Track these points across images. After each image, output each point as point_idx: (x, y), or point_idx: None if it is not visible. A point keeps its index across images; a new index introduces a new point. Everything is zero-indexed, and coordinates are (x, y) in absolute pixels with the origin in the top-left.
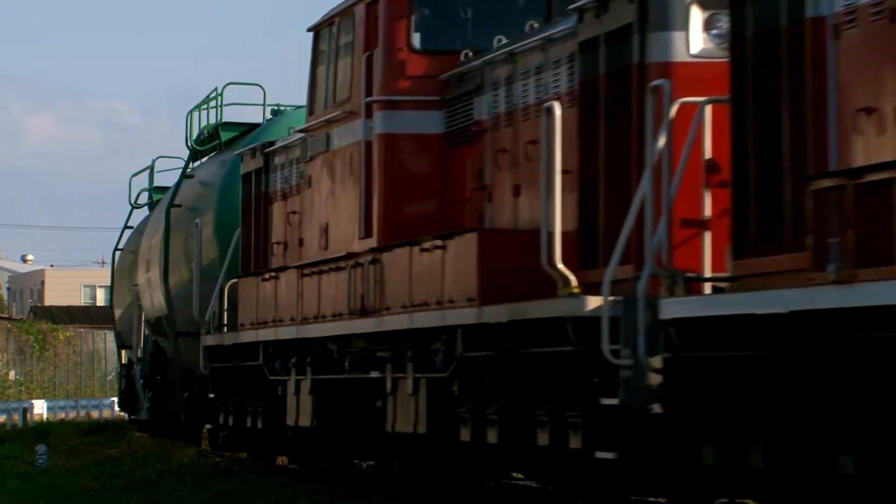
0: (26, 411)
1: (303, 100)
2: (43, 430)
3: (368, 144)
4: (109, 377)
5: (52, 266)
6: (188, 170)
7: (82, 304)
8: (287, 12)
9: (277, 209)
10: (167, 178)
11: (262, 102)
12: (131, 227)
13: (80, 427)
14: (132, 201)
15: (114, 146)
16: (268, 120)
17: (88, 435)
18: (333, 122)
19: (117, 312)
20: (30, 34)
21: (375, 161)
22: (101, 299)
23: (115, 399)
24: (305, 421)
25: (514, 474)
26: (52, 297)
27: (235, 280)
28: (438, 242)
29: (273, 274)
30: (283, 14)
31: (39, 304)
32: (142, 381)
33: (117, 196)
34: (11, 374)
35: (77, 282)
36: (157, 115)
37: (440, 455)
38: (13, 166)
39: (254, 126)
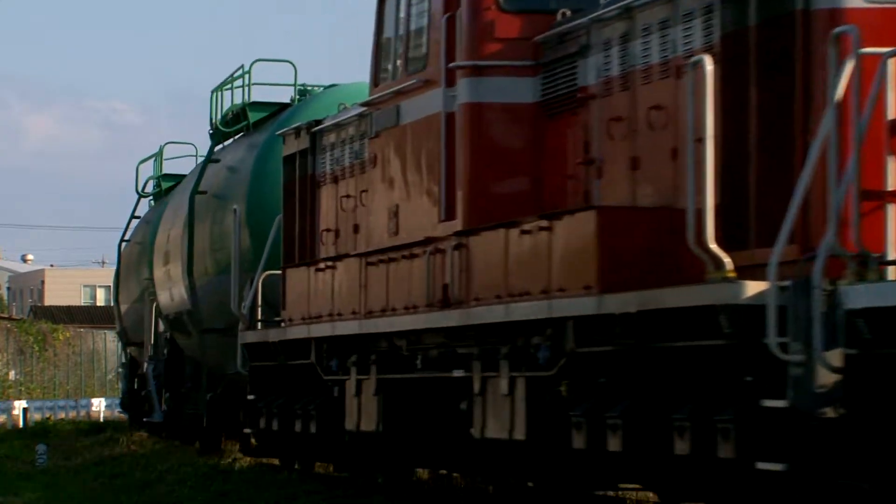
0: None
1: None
2: (43, 430)
3: (450, 116)
4: (109, 377)
5: (52, 266)
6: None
7: (82, 304)
8: (287, 12)
9: (327, 194)
10: (175, 167)
11: (292, 82)
12: (138, 217)
13: (80, 427)
14: (139, 190)
15: (114, 146)
16: (301, 99)
17: (88, 435)
18: (405, 93)
19: (123, 307)
20: (30, 34)
21: (459, 134)
22: (101, 299)
23: (117, 400)
24: (369, 425)
25: (623, 485)
26: (52, 297)
27: (273, 272)
28: (543, 223)
29: (329, 263)
30: (283, 13)
31: (39, 304)
32: (155, 380)
33: (117, 196)
34: (11, 374)
35: (77, 282)
36: (157, 114)
37: (541, 464)
38: (13, 166)
39: (284, 106)
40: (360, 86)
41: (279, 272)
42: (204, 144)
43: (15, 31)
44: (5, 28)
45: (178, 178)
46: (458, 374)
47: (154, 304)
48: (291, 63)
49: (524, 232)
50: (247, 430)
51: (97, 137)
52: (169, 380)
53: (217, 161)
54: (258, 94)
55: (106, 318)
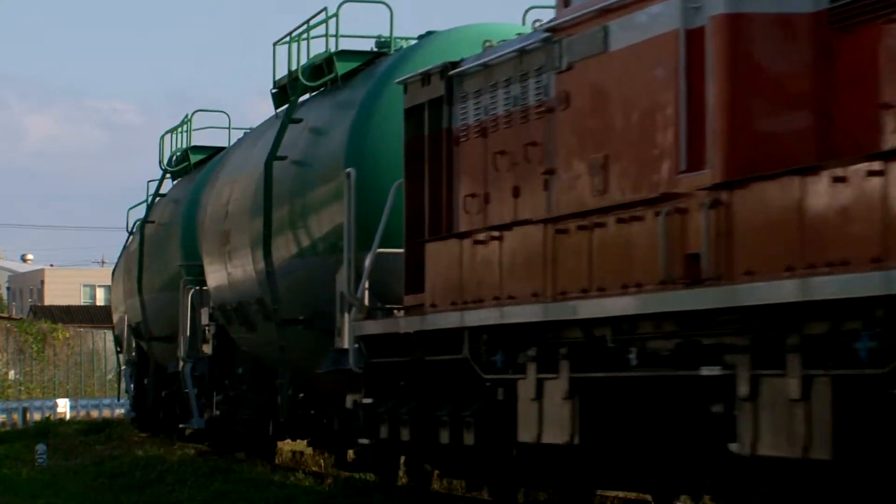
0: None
1: None
2: (42, 430)
3: (693, 34)
4: (109, 377)
5: (51, 266)
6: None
7: (82, 304)
8: (287, 11)
9: (470, 151)
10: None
11: (375, 33)
12: (163, 195)
13: (80, 427)
14: (165, 164)
15: (114, 146)
16: (395, 51)
17: (88, 435)
18: (616, 10)
19: (147, 297)
20: (30, 34)
21: (711, 56)
22: (100, 299)
23: (117, 400)
24: (557, 436)
25: None
26: (52, 297)
27: (385, 251)
28: (875, 165)
29: (494, 234)
30: (282, 13)
31: (39, 304)
32: (195, 380)
33: (118, 196)
34: (11, 374)
35: (77, 281)
36: (157, 114)
37: (854, 491)
38: (14, 166)
39: (376, 55)
40: (477, 28)
41: (391, 251)
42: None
43: (15, 31)
44: (5, 28)
45: (209, 151)
46: (709, 371)
47: (190, 294)
48: (387, 5)
49: (838, 180)
50: (363, 441)
51: (97, 137)
52: (219, 381)
53: (298, 121)
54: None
55: (106, 318)
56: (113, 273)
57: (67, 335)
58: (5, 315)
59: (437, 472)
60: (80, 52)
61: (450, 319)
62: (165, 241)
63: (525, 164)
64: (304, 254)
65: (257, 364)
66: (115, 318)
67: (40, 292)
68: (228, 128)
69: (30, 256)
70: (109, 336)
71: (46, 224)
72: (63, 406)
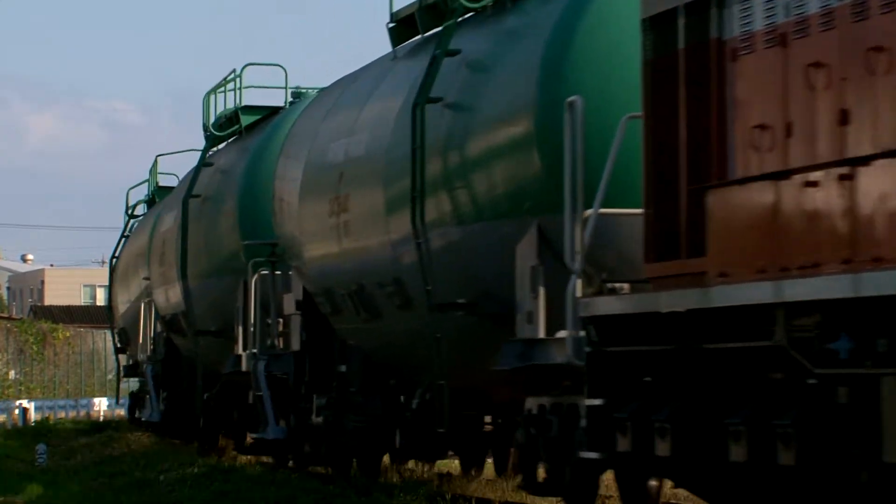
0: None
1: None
2: (42, 430)
3: None
4: (109, 377)
5: (52, 266)
6: None
7: (82, 304)
8: (287, 11)
9: (759, 66)
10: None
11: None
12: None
13: (80, 427)
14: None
15: (115, 146)
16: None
17: (88, 434)
18: None
19: (193, 284)
20: (31, 34)
21: None
22: (101, 299)
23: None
24: None
25: None
26: (52, 297)
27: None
28: None
29: (843, 172)
30: (283, 13)
31: (39, 304)
32: (267, 381)
33: (118, 196)
34: (11, 374)
35: (77, 281)
36: (158, 114)
37: None
38: (14, 166)
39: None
40: None
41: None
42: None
43: (16, 31)
44: (6, 28)
45: (263, 111)
46: None
47: (255, 279)
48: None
49: None
50: (588, 455)
51: (98, 137)
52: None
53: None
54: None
55: (106, 318)
56: (112, 265)
57: (67, 335)
58: (5, 315)
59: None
60: (81, 53)
61: (756, 292)
62: (215, 218)
63: (865, 78)
64: (464, 220)
65: (368, 362)
66: (121, 311)
67: (40, 292)
68: (285, 87)
69: (30, 256)
70: (110, 336)
71: (46, 224)
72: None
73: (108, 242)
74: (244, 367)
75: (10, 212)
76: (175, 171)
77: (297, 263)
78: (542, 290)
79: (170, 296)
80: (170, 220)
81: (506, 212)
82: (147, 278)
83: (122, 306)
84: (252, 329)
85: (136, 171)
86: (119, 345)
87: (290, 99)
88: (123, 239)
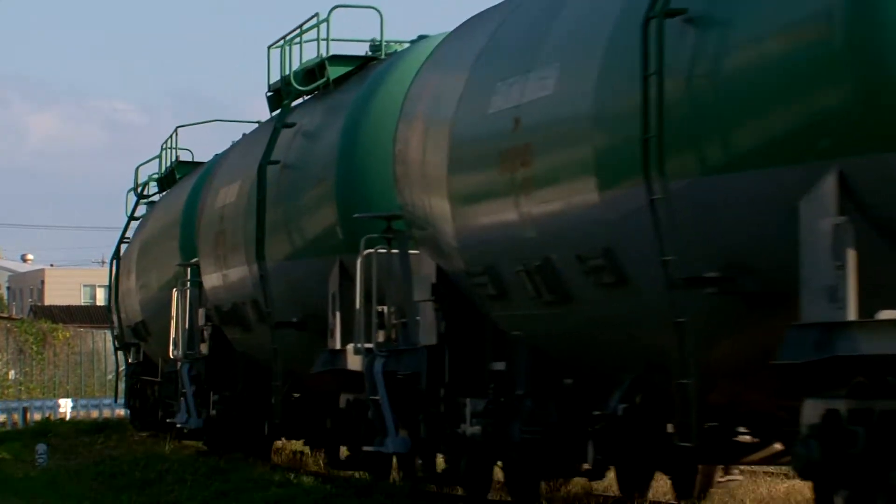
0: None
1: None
2: (42, 430)
3: None
4: (109, 377)
5: (52, 266)
6: None
7: (82, 304)
8: (288, 11)
9: None
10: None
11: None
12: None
13: (80, 427)
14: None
15: (116, 146)
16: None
17: (88, 434)
18: None
19: (274, 267)
20: (32, 34)
21: None
22: (101, 299)
23: (114, 402)
24: None
25: None
26: (52, 297)
27: None
28: None
29: None
30: (284, 13)
31: (39, 304)
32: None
33: (118, 196)
34: (11, 374)
35: (77, 281)
36: (159, 114)
37: None
38: (15, 166)
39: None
40: None
41: None
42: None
43: (17, 31)
44: (7, 28)
45: (353, 63)
46: None
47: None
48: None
49: None
50: None
51: (99, 137)
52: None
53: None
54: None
55: (106, 318)
56: (116, 257)
57: (67, 335)
58: (5, 315)
59: None
60: (83, 52)
61: None
62: (301, 188)
63: None
64: (715, 168)
65: (539, 357)
66: (135, 302)
67: (40, 292)
68: (381, 36)
69: (30, 256)
70: (109, 336)
71: (46, 224)
72: (64, 406)
73: (108, 242)
74: (349, 364)
75: (10, 212)
76: (191, 146)
77: (436, 237)
78: (851, 256)
79: (230, 282)
80: (231, 193)
81: (789, 155)
82: (186, 263)
83: (137, 296)
84: (361, 319)
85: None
86: (131, 341)
87: (384, 52)
88: (133, 222)
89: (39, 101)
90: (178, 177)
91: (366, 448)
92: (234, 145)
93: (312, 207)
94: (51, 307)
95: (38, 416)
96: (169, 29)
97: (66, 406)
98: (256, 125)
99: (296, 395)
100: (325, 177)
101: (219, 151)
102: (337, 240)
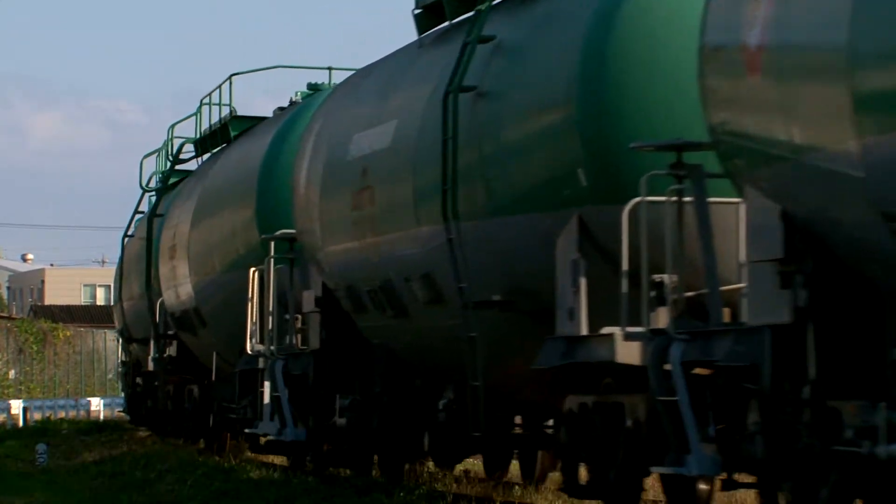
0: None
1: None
2: (42, 430)
3: None
4: (109, 376)
5: (52, 265)
6: None
7: (82, 304)
8: (288, 11)
9: None
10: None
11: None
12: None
13: (80, 427)
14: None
15: (118, 145)
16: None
17: (88, 434)
18: None
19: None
20: (34, 34)
21: None
22: (101, 298)
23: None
24: None
25: None
26: (52, 297)
27: None
28: None
29: None
30: (285, 14)
31: (39, 304)
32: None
33: (119, 195)
34: (11, 374)
35: (77, 281)
36: (161, 114)
37: None
38: (16, 165)
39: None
40: None
41: None
42: None
43: (19, 30)
44: (9, 28)
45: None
46: None
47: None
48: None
49: None
50: None
51: (101, 137)
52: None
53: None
54: None
55: (106, 318)
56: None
57: (68, 335)
58: (5, 315)
59: None
60: (85, 52)
61: None
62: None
63: None
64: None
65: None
66: (183, 287)
67: (40, 292)
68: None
69: (30, 256)
70: (110, 336)
71: (47, 224)
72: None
73: (108, 242)
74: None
75: (11, 211)
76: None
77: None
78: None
79: (383, 252)
80: (381, 138)
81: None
82: (271, 236)
83: (188, 280)
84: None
85: (138, 170)
86: (156, 332)
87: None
88: (155, 200)
89: (40, 100)
90: (232, 134)
91: (270, 437)
92: (347, 84)
93: (535, 145)
94: (51, 307)
95: (62, 414)
96: (172, 29)
97: (98, 405)
98: (326, 71)
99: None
100: (549, 104)
101: (279, 104)
102: (578, 187)
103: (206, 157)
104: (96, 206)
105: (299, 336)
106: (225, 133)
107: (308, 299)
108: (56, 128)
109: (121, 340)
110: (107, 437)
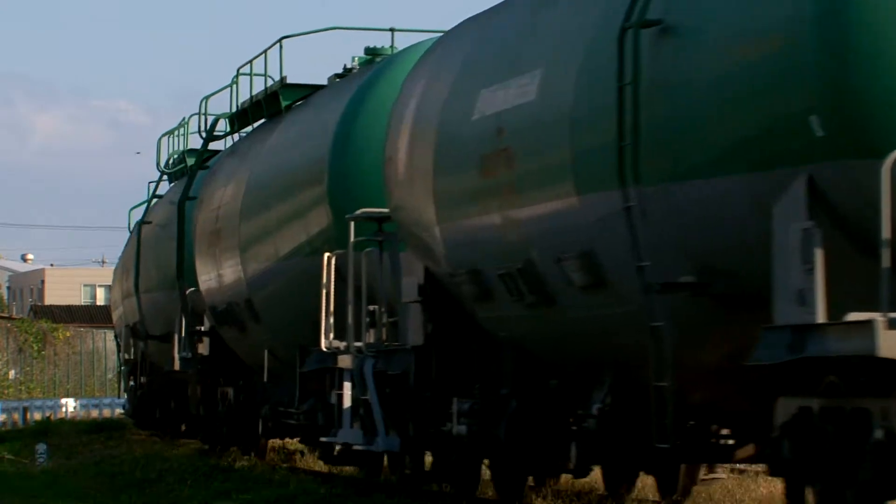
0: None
1: None
2: (42, 430)
3: None
4: (109, 376)
5: (52, 265)
6: None
7: (82, 304)
8: (288, 10)
9: None
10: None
11: None
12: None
13: (80, 426)
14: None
15: (119, 145)
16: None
17: (88, 434)
18: None
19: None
20: (36, 34)
21: None
22: (101, 298)
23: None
24: None
25: None
26: (52, 297)
27: None
28: None
29: None
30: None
31: (39, 304)
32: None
33: (119, 195)
34: (11, 374)
35: (77, 281)
36: (162, 114)
37: None
38: (17, 165)
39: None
40: None
41: None
42: None
43: (21, 30)
44: (11, 27)
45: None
46: None
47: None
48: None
49: None
50: None
51: (102, 137)
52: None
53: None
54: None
55: (106, 318)
56: (138, 243)
57: (68, 335)
58: (5, 315)
59: None
60: (87, 52)
61: None
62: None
63: None
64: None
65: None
66: (210, 284)
67: (40, 292)
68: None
69: (30, 256)
70: (110, 335)
71: (47, 224)
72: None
73: (108, 242)
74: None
75: (11, 211)
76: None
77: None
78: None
79: (524, 230)
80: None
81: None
82: (354, 216)
83: (241, 270)
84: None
85: (139, 170)
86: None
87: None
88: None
89: (42, 100)
90: (283, 104)
91: (356, 447)
92: (453, 35)
93: (746, 89)
94: (51, 307)
95: (106, 413)
96: (173, 29)
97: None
98: (388, 33)
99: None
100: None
101: (332, 72)
102: (809, 138)
103: (247, 129)
104: (96, 206)
105: (384, 331)
106: (273, 103)
107: (409, 287)
108: (57, 128)
109: (124, 338)
110: (106, 437)
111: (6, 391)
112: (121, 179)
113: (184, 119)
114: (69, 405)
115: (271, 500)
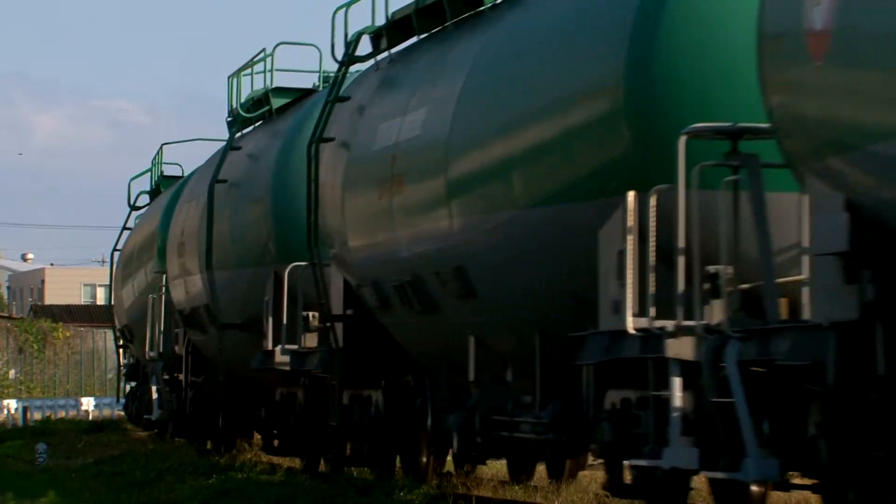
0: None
1: None
2: (42, 430)
3: None
4: (109, 376)
5: (52, 265)
6: None
7: (82, 303)
8: (289, 11)
9: None
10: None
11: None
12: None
13: (80, 426)
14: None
15: (119, 145)
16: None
17: (88, 434)
18: None
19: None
20: (37, 34)
21: None
22: (101, 298)
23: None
24: None
25: None
26: (53, 296)
27: None
28: None
29: None
30: (284, 12)
31: (39, 303)
32: None
33: (119, 195)
34: (11, 373)
35: (77, 280)
36: (162, 114)
37: None
38: (18, 165)
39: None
40: None
41: None
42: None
43: (22, 30)
44: (11, 27)
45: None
46: None
47: None
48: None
49: None
50: None
51: (102, 137)
52: None
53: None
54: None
55: (107, 318)
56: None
57: (68, 334)
58: (5, 314)
59: None
60: (87, 52)
61: None
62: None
63: None
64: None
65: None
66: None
67: (41, 291)
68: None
69: (30, 255)
70: (109, 335)
71: (47, 223)
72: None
73: (108, 242)
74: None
75: (11, 211)
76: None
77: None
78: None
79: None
80: None
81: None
82: None
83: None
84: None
85: (139, 170)
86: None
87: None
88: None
89: (42, 100)
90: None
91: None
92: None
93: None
94: (51, 306)
95: (62, 414)
96: (174, 29)
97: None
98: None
99: None
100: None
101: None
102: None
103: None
104: (97, 206)
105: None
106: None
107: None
108: (57, 128)
109: (126, 335)
110: (106, 438)
111: (6, 391)
112: (121, 179)
113: (263, 51)
114: (90, 404)
115: (271, 501)
